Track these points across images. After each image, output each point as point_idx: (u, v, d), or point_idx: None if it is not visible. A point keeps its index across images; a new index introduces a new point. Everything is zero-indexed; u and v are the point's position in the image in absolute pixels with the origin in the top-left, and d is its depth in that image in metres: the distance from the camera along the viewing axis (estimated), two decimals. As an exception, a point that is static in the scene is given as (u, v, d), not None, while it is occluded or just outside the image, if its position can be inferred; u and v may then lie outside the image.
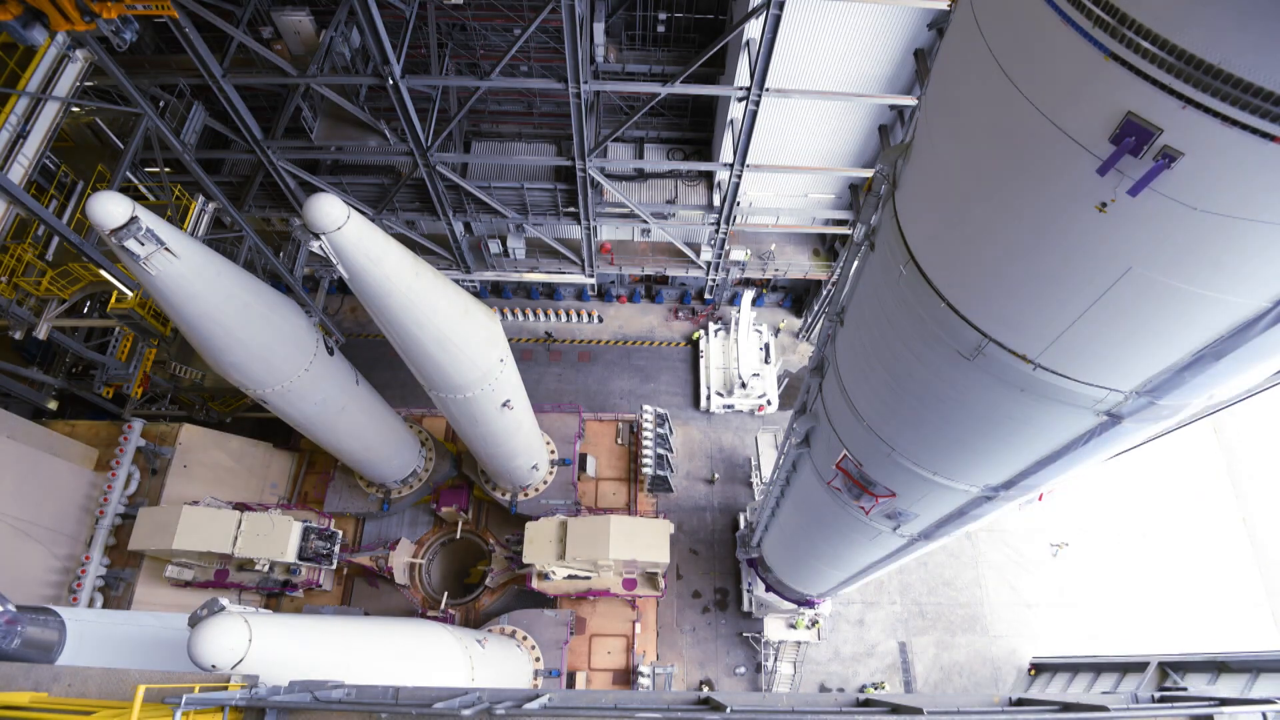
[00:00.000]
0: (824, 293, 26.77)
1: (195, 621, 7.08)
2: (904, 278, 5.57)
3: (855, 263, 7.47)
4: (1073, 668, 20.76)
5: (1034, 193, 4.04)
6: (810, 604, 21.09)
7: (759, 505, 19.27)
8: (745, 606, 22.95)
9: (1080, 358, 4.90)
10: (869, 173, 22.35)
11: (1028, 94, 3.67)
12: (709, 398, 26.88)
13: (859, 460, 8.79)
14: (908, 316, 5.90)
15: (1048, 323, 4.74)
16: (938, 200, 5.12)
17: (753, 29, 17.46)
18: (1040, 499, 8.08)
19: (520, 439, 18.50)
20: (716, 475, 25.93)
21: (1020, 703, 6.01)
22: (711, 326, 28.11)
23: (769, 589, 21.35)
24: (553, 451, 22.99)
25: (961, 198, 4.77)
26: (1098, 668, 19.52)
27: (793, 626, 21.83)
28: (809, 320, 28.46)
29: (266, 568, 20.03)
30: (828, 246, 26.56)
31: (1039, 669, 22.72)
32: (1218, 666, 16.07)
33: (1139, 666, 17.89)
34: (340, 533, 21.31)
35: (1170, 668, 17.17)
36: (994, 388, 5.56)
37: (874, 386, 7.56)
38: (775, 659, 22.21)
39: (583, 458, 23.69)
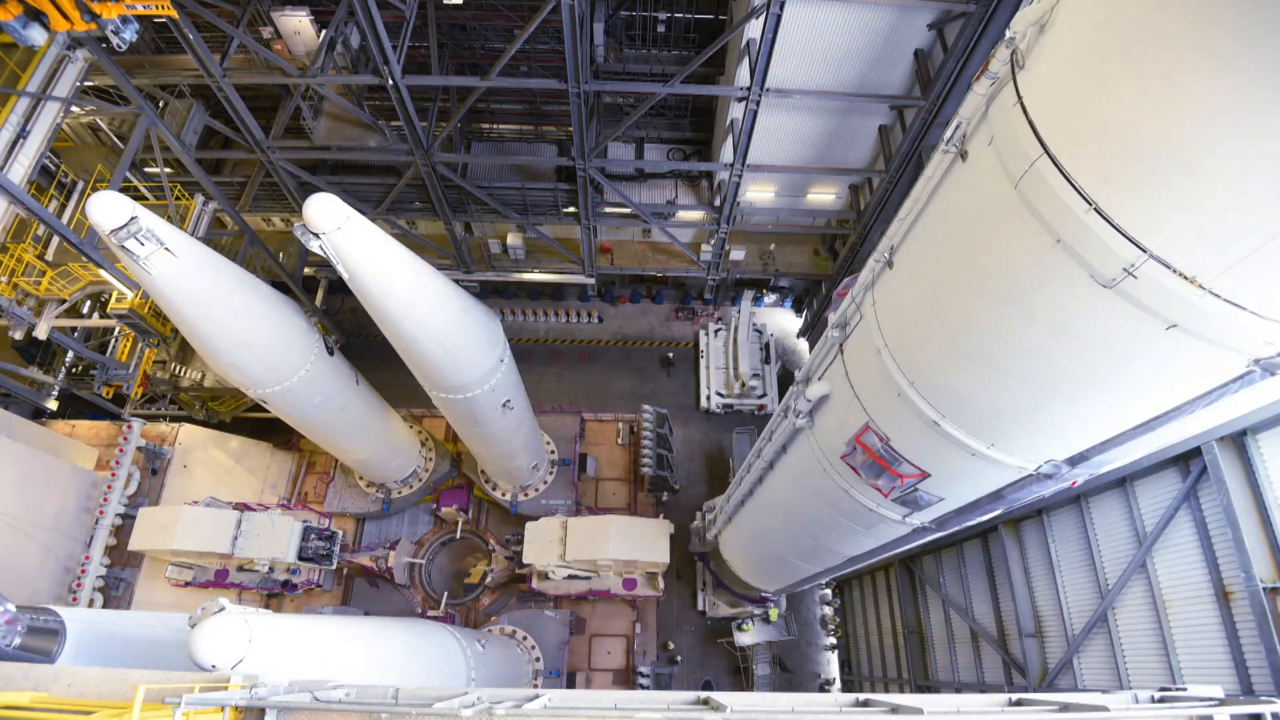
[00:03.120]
0: (822, 291, 26.77)
1: (195, 621, 7.07)
2: (1026, 181, 4.48)
3: (932, 183, 6.00)
4: None
5: None
6: (763, 601, 20.70)
7: (725, 495, 18.62)
8: (699, 605, 22.63)
9: (1270, 282, 3.87)
10: (869, 173, 22.37)
11: None
12: (709, 398, 26.88)
13: (886, 433, 7.53)
14: (1019, 235, 4.69)
15: (1249, 229, 3.64)
16: (1110, 64, 3.90)
17: (753, 29, 17.46)
18: (1074, 485, 7.01)
19: (520, 439, 18.50)
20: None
21: (1020, 703, 6.01)
22: (711, 326, 28.11)
23: (719, 584, 20.71)
24: (553, 451, 22.99)
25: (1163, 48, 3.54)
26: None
27: (740, 629, 21.61)
28: (809, 319, 28.46)
29: (266, 568, 20.03)
30: (828, 246, 26.57)
31: None
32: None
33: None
34: (340, 533, 21.33)
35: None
36: (1129, 324, 4.47)
37: (934, 337, 6.25)
38: (753, 661, 22.11)
39: (583, 458, 23.69)
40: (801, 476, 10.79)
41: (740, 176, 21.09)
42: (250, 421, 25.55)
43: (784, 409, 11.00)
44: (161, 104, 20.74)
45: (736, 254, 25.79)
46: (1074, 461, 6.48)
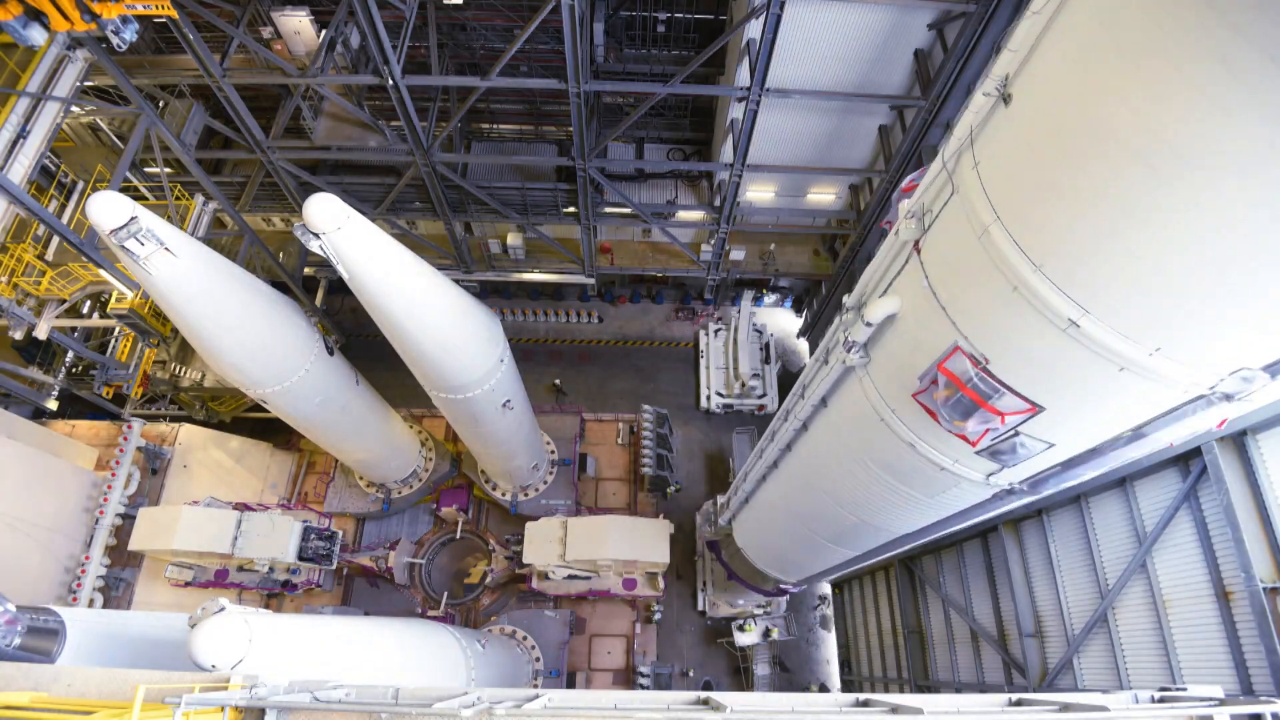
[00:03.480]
0: (822, 290, 26.79)
1: (195, 621, 7.08)
2: None
3: None
4: None
5: None
6: (779, 593, 19.93)
7: (741, 473, 16.88)
8: (699, 605, 22.35)
9: None
10: (869, 173, 22.37)
11: None
12: (709, 398, 26.89)
13: (984, 354, 5.63)
14: None
15: None
16: None
17: (753, 29, 17.46)
18: (1221, 425, 5.33)
19: (520, 439, 18.51)
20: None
21: (1020, 703, 6.02)
22: (711, 326, 28.12)
23: (731, 575, 19.97)
24: (553, 451, 23.01)
25: None
26: None
27: (741, 629, 21.44)
28: (809, 319, 28.47)
29: (266, 568, 20.03)
30: (828, 246, 26.57)
31: None
32: None
33: None
34: (340, 533, 21.33)
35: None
36: None
37: (1088, 178, 4.19)
38: (753, 661, 22.08)
39: (583, 458, 23.71)
40: (847, 433, 8.71)
41: (740, 176, 21.09)
42: (250, 421, 25.56)
43: (824, 351, 8.80)
44: (161, 104, 20.74)
45: (736, 254, 25.80)
46: (1277, 368, 4.55)
